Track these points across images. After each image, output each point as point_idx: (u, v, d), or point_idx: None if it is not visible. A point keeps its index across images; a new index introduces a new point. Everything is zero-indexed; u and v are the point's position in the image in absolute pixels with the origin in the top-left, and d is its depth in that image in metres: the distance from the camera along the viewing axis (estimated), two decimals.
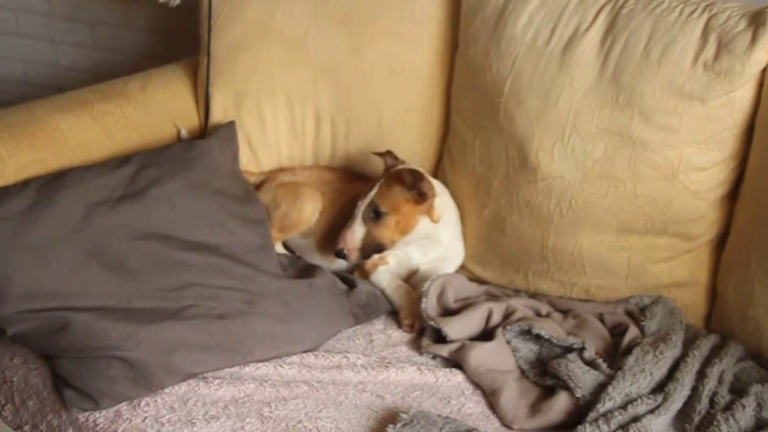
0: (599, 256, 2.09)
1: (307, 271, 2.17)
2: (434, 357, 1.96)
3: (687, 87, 1.93)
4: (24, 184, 1.98)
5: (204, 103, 2.49)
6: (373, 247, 2.13)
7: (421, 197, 2.12)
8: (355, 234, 2.12)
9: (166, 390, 1.78)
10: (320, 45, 2.37)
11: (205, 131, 2.50)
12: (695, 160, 1.98)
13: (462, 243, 2.29)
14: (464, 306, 2.06)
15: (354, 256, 2.13)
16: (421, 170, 2.18)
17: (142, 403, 1.75)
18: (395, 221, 2.12)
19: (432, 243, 2.22)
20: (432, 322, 1.99)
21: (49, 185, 1.97)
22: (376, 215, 2.11)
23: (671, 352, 1.87)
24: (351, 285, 2.16)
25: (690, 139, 1.96)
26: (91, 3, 3.27)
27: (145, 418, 1.72)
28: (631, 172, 2.00)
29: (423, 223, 2.16)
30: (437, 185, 2.21)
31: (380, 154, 2.27)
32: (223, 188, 2.15)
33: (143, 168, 2.06)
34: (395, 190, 2.12)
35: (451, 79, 2.35)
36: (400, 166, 2.20)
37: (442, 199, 2.21)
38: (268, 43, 2.40)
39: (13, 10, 3.43)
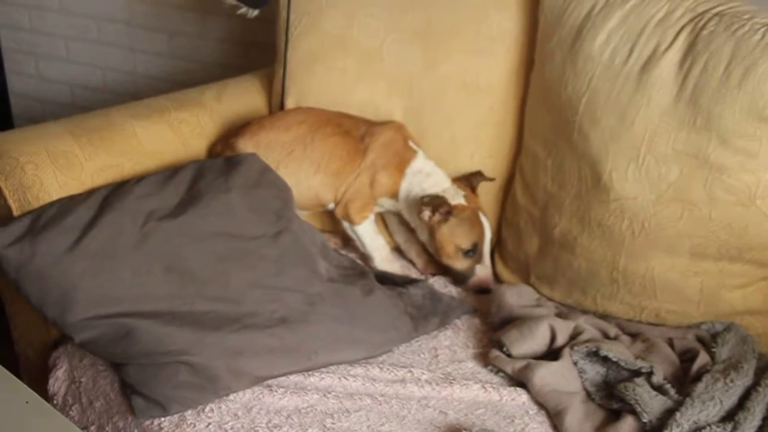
0: (671, 280, 2.05)
1: (353, 270, 2.18)
2: (498, 372, 1.95)
3: (767, 111, 1.89)
4: (89, 194, 1.99)
5: None
6: None
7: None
8: None
9: (231, 397, 1.79)
10: (395, 57, 2.38)
11: None
12: None
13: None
14: (525, 315, 2.06)
15: None
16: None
17: (207, 410, 1.76)
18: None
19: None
20: (501, 339, 1.99)
21: (112, 195, 1.98)
22: None
23: (742, 381, 1.83)
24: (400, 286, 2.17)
25: None
26: (170, 13, 3.33)
27: (209, 423, 1.73)
28: (706, 196, 1.96)
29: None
30: None
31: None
32: None
33: (198, 175, 2.08)
34: None
35: (526, 96, 2.34)
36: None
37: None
38: (343, 55, 2.41)
39: (95, 19, 3.51)
